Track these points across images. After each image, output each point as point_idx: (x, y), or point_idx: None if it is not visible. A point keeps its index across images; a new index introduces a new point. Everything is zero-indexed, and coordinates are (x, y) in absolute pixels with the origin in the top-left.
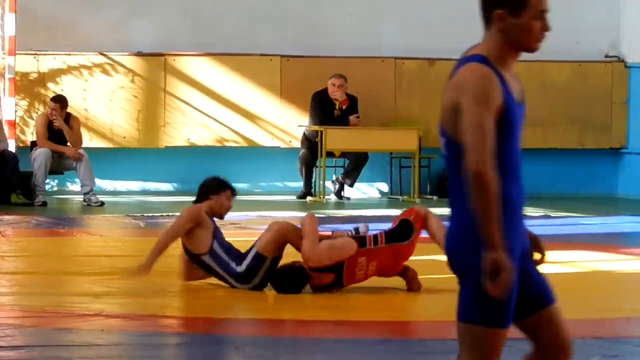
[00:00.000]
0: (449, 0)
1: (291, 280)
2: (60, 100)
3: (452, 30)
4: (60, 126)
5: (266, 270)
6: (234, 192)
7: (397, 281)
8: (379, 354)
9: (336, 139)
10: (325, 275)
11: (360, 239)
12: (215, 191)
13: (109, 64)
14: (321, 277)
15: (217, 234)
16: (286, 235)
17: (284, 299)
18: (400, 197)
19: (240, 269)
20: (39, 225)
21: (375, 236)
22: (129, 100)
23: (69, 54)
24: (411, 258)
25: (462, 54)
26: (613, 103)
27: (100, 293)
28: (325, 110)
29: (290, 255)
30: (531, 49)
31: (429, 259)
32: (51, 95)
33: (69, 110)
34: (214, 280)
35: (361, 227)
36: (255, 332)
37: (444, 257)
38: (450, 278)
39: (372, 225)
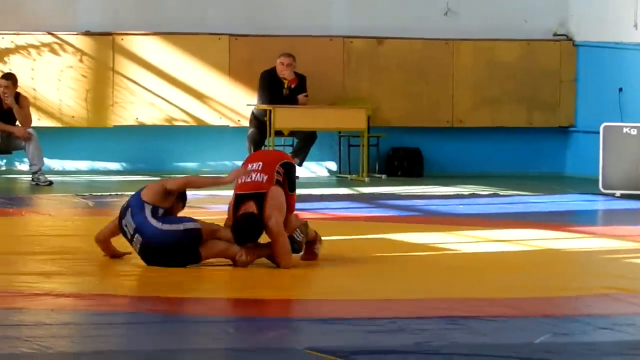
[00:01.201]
0: None
1: (249, 228)
2: (11, 78)
3: (400, 9)
4: (10, 104)
5: (193, 229)
6: None
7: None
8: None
9: (285, 117)
10: None
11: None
12: None
13: (57, 43)
14: None
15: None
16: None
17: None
18: (348, 176)
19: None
20: None
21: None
22: (77, 80)
23: (17, 34)
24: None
25: None
26: (561, 82)
27: (50, 272)
28: (274, 89)
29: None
30: None
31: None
32: None
33: (17, 89)
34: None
35: None
36: (209, 312)
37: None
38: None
39: (320, 204)
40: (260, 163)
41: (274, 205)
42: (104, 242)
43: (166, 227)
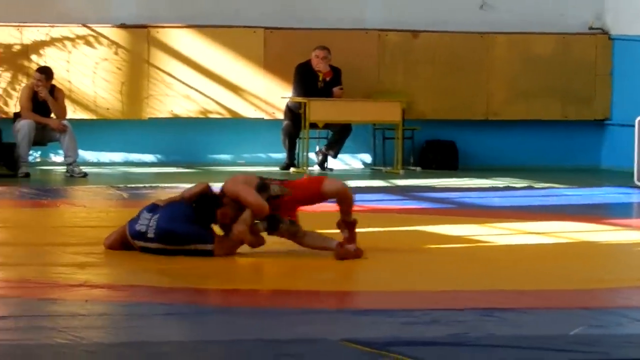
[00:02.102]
0: None
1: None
2: (45, 72)
3: (436, 2)
4: (45, 97)
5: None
6: None
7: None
8: (359, 324)
9: (319, 110)
10: None
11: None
12: None
13: (92, 36)
14: None
15: None
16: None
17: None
18: (383, 169)
19: None
20: (22, 197)
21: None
22: (112, 72)
23: (53, 26)
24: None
25: None
26: (597, 75)
27: (84, 263)
28: (309, 82)
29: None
30: None
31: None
32: (34, 67)
33: (53, 82)
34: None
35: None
36: (244, 303)
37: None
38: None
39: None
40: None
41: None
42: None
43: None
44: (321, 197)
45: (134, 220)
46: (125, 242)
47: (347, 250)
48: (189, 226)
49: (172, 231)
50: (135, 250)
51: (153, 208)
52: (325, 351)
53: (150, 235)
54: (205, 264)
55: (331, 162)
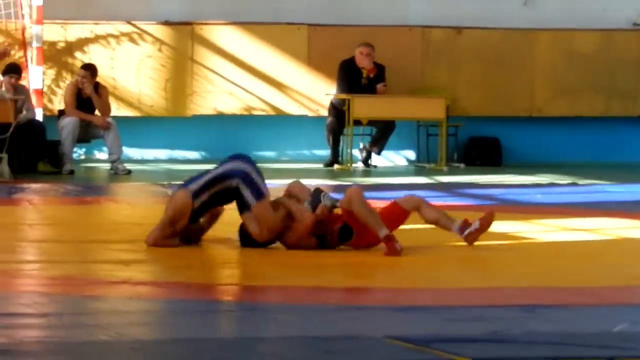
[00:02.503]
0: None
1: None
2: (90, 68)
3: None
4: (89, 94)
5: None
6: None
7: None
8: (401, 321)
9: (363, 107)
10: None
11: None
12: None
13: (136, 33)
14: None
15: None
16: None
17: (309, 265)
18: (427, 165)
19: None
20: (66, 194)
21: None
22: (156, 69)
23: (97, 23)
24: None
25: None
26: None
27: (128, 260)
28: (353, 78)
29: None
30: None
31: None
32: (79, 64)
33: (97, 79)
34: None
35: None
36: (286, 299)
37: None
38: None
39: (398, 193)
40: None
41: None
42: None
43: None
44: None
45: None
46: (166, 238)
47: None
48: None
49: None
50: (177, 247)
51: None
52: (368, 348)
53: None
54: (247, 260)
55: (375, 159)
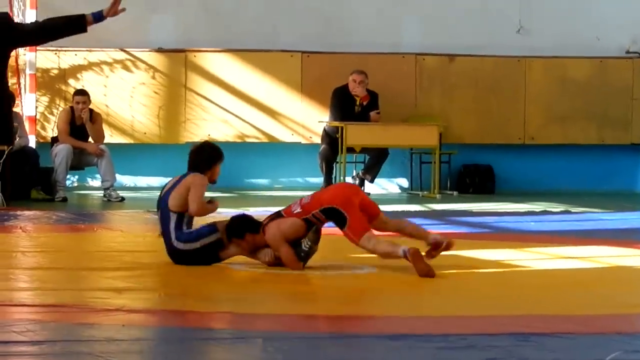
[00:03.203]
0: None
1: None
2: (86, 93)
3: (472, 26)
4: (84, 121)
5: (210, 242)
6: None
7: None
8: (394, 349)
9: (357, 134)
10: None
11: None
12: (217, 160)
13: (129, 60)
14: None
15: None
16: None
17: (299, 292)
18: (420, 193)
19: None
20: (59, 221)
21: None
22: (149, 97)
23: (90, 50)
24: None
25: None
26: (634, 99)
27: (121, 288)
28: (346, 106)
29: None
30: None
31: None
32: (72, 91)
33: (90, 106)
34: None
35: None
36: (278, 327)
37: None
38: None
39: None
40: (309, 200)
41: (278, 223)
42: None
43: (181, 246)
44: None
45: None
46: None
47: None
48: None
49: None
50: (174, 275)
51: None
52: None
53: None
54: (239, 287)
55: (368, 187)
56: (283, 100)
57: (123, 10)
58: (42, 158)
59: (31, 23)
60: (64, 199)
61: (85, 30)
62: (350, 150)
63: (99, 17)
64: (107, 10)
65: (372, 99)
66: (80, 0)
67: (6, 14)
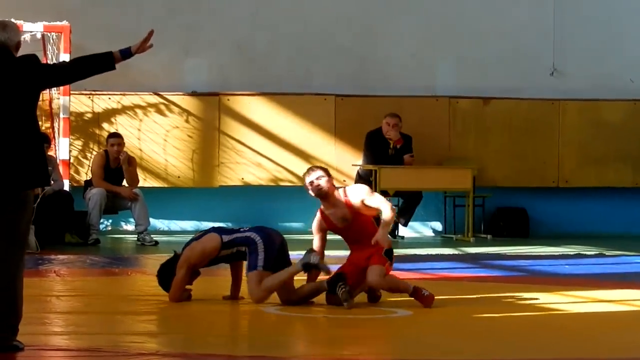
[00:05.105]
0: (503, 39)
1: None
2: (121, 136)
3: (506, 69)
4: (122, 162)
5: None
6: None
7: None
8: None
9: (390, 178)
10: None
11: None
12: None
13: (163, 103)
14: None
15: None
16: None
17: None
18: (454, 236)
19: None
20: (93, 265)
21: None
22: (183, 140)
23: (124, 94)
24: None
25: None
26: None
27: (155, 332)
28: (380, 149)
29: None
30: None
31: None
32: (106, 135)
33: (124, 149)
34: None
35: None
36: None
37: None
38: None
39: (425, 265)
40: None
41: None
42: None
43: None
44: None
45: None
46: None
47: None
48: None
49: None
50: (207, 318)
51: None
52: None
53: None
54: (269, 328)
55: (402, 230)
56: (316, 143)
57: (151, 46)
58: (76, 202)
59: (59, 63)
60: (97, 241)
61: (113, 68)
62: (384, 193)
63: (127, 53)
64: (136, 47)
65: (405, 142)
66: (114, 42)
67: (34, 55)
